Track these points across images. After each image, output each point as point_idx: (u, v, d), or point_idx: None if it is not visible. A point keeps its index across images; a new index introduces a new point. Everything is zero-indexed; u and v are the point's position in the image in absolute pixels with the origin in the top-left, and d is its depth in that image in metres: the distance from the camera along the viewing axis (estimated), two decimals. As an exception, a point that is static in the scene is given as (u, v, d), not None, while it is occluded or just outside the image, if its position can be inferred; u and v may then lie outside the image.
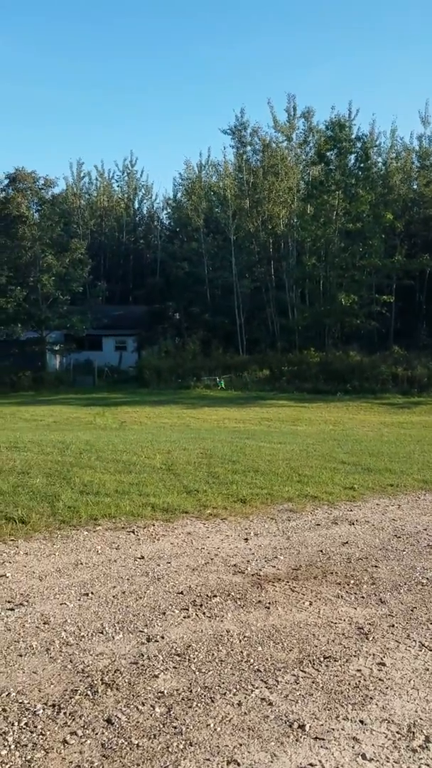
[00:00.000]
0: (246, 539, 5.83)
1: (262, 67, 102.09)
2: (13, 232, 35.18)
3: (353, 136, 37.71)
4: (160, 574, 4.83)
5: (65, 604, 4.24)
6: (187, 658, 3.52)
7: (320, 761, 2.67)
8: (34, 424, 19.17)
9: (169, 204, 57.06)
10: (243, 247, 42.10)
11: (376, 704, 3.12)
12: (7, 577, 4.71)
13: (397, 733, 2.89)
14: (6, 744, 2.74)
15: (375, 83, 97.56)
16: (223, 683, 3.26)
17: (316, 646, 3.70)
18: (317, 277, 38.39)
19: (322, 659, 3.55)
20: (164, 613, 4.10)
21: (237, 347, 39.16)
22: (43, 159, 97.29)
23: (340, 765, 2.66)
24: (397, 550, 5.63)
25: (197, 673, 3.36)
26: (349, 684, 3.29)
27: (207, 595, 4.42)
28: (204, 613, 4.12)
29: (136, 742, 2.77)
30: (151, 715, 2.96)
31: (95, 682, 3.25)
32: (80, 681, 3.26)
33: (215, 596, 4.41)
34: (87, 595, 4.39)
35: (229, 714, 2.99)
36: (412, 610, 4.27)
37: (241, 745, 2.76)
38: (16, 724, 2.89)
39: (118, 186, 58.94)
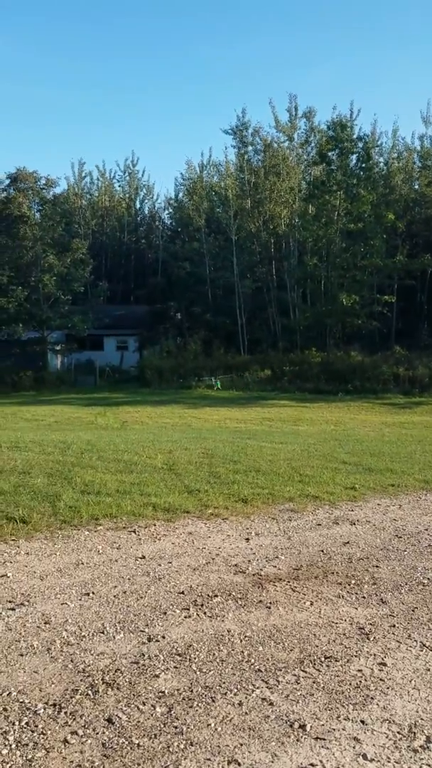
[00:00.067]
0: (247, 539, 5.83)
1: (262, 67, 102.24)
2: (14, 232, 35.20)
3: (355, 136, 37.73)
4: (161, 574, 4.83)
5: (66, 603, 4.24)
6: (188, 657, 3.52)
7: (321, 761, 2.67)
8: (35, 424, 19.18)
9: (170, 204, 57.12)
10: (244, 247, 42.10)
11: (377, 704, 3.11)
12: (8, 577, 4.71)
13: (398, 733, 2.88)
14: (7, 743, 2.74)
15: (375, 83, 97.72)
16: (224, 683, 3.26)
17: (317, 646, 3.70)
18: (319, 277, 38.39)
19: (323, 659, 3.54)
20: (165, 613, 4.10)
21: (238, 347, 39.17)
22: (43, 159, 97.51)
23: (341, 765, 2.66)
24: (399, 550, 5.63)
25: (198, 672, 3.36)
26: (350, 684, 3.29)
27: (208, 595, 4.42)
28: (205, 613, 4.12)
29: (137, 741, 2.77)
30: (151, 715, 2.96)
31: (96, 681, 3.25)
32: (81, 680, 3.26)
33: (216, 596, 4.41)
34: (88, 594, 4.40)
35: (229, 714, 2.99)
36: (413, 611, 4.27)
37: (241, 745, 2.76)
38: (17, 723, 2.89)
39: (119, 186, 59.07)
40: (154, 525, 6.15)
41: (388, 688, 3.27)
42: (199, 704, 3.06)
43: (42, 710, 2.99)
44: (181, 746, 2.74)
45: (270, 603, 4.31)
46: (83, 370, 38.23)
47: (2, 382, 32.79)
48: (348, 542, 5.84)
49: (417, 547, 5.75)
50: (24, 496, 6.77)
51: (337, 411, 24.48)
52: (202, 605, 4.24)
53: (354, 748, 2.77)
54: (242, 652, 3.60)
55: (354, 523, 6.51)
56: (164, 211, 59.20)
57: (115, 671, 3.36)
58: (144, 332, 42.85)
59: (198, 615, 4.09)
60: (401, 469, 9.46)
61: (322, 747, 2.76)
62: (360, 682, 3.32)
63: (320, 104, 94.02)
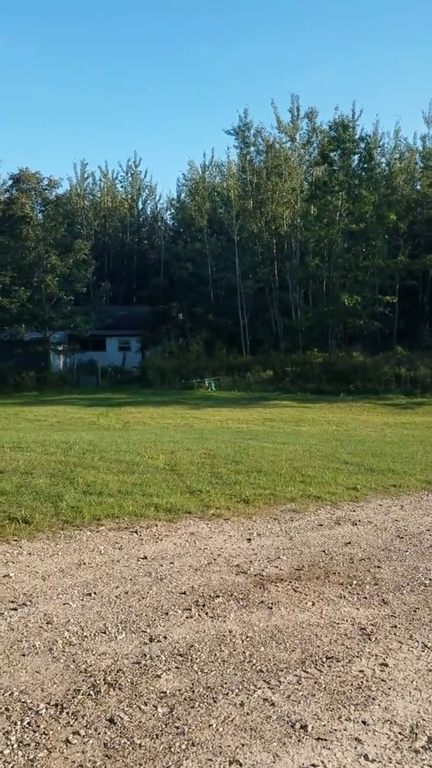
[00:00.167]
0: (249, 539, 5.84)
1: (262, 67, 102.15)
2: (17, 232, 35.22)
3: (357, 137, 37.70)
4: (162, 575, 4.84)
5: (68, 604, 4.24)
6: (190, 658, 3.52)
7: (322, 762, 2.67)
8: (37, 424, 19.19)
9: (172, 204, 57.11)
10: (246, 248, 42.10)
11: (379, 705, 3.11)
12: (11, 577, 4.72)
13: (400, 734, 2.88)
14: (9, 743, 2.75)
15: (376, 83, 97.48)
16: (226, 683, 3.27)
17: (319, 647, 3.70)
18: (320, 277, 38.33)
19: (324, 660, 3.55)
20: (167, 614, 4.10)
21: (240, 348, 39.16)
22: (44, 159, 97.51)
23: (343, 766, 2.66)
24: (400, 551, 5.63)
25: (200, 673, 3.36)
26: (352, 684, 3.29)
27: (210, 596, 4.42)
28: (206, 614, 4.12)
29: (139, 742, 2.77)
30: (153, 715, 2.97)
31: (98, 681, 3.25)
32: (83, 681, 3.26)
33: (218, 596, 4.41)
34: (90, 595, 4.40)
35: (231, 714, 2.99)
36: (414, 611, 4.27)
37: (243, 745, 2.76)
38: (18, 723, 2.89)
39: (121, 186, 59.05)
40: (156, 525, 6.15)
41: (389, 688, 3.27)
42: (201, 704, 3.07)
43: (44, 710, 2.99)
44: (183, 746, 2.74)
45: (272, 603, 4.32)
46: (85, 370, 38.26)
47: (5, 382, 32.82)
48: (350, 543, 5.84)
49: (419, 547, 5.75)
50: (26, 496, 6.78)
51: (339, 411, 24.46)
52: (203, 606, 4.24)
53: (355, 748, 2.77)
54: (244, 652, 3.60)
55: (356, 524, 6.51)
56: (166, 212, 59.27)
57: (117, 671, 3.36)
58: (146, 333, 42.87)
59: (200, 615, 4.09)
60: (403, 469, 9.46)
61: (324, 747, 2.76)
62: (361, 682, 3.32)
63: (321, 104, 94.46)
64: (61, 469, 8.19)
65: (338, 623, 4.04)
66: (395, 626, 4.02)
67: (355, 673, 3.41)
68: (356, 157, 37.70)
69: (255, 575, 4.89)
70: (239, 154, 43.86)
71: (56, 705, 3.04)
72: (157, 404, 26.29)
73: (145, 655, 3.54)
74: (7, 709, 3.00)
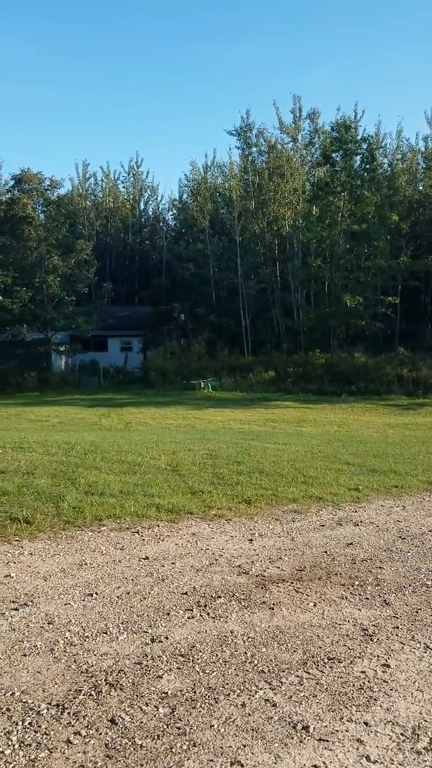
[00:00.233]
0: (250, 540, 5.83)
1: (263, 67, 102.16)
2: (18, 233, 35.24)
3: (359, 138, 37.68)
4: (164, 575, 4.83)
5: (70, 604, 4.24)
6: (191, 658, 3.52)
7: (324, 763, 2.67)
8: (39, 424, 19.20)
9: (174, 205, 57.09)
10: (248, 249, 42.09)
11: (381, 706, 3.11)
12: (12, 577, 4.72)
13: (402, 735, 2.88)
14: (10, 743, 2.75)
15: (378, 83, 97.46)
16: (227, 684, 3.26)
17: (321, 648, 3.69)
18: (322, 278, 38.32)
19: (326, 660, 3.54)
20: (168, 614, 4.10)
21: (242, 348, 39.14)
22: (45, 159, 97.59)
23: (344, 767, 2.65)
24: (402, 552, 5.62)
25: (201, 673, 3.36)
26: (354, 685, 3.28)
27: (211, 596, 4.42)
28: (208, 614, 4.12)
29: (140, 742, 2.77)
30: (154, 716, 2.96)
31: (99, 682, 3.25)
32: (84, 681, 3.26)
33: (219, 597, 4.41)
34: (91, 595, 4.40)
35: (232, 715, 2.99)
36: (416, 612, 4.26)
37: (244, 746, 2.75)
38: (20, 723, 2.89)
39: (123, 187, 59.06)
40: (158, 526, 6.15)
41: (391, 689, 3.26)
42: (202, 705, 3.06)
43: (45, 710, 2.99)
44: (184, 747, 2.74)
45: (273, 604, 4.31)
46: (87, 371, 38.28)
47: (6, 382, 32.84)
48: (351, 543, 5.83)
49: (421, 548, 5.74)
50: (28, 496, 6.79)
51: (341, 412, 24.45)
52: (205, 606, 4.24)
53: (357, 749, 2.76)
54: (245, 653, 3.60)
55: (357, 525, 6.51)
56: (168, 212, 59.29)
57: (119, 672, 3.36)
58: (148, 333, 42.88)
59: (201, 616, 4.09)
60: (405, 470, 9.45)
61: (326, 748, 2.76)
62: (363, 683, 3.31)
63: (322, 104, 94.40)
64: (63, 469, 8.19)
65: (340, 624, 4.03)
66: (397, 627, 4.01)
67: (357, 674, 3.40)
68: (358, 157, 37.68)
69: (257, 576, 4.89)
70: (241, 155, 43.89)
71: (57, 705, 3.04)
72: (158, 405, 26.29)
73: (147, 656, 3.54)
74: (8, 709, 3.00)
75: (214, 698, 3.12)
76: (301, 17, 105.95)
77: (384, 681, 3.34)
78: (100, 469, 8.33)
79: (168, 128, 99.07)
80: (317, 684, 3.29)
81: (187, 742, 2.77)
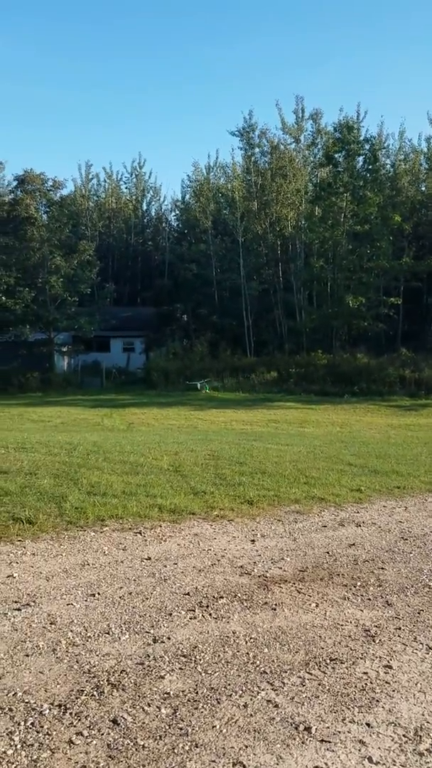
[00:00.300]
0: (253, 541, 5.83)
1: (263, 67, 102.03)
2: (21, 233, 35.26)
3: (361, 138, 37.67)
4: (166, 575, 4.84)
5: (72, 604, 4.24)
6: (193, 659, 3.52)
7: (326, 764, 2.67)
8: (41, 425, 19.22)
9: (177, 206, 57.11)
10: (251, 249, 42.09)
11: (383, 707, 3.10)
12: (14, 578, 4.72)
13: (404, 736, 2.87)
14: (12, 743, 2.75)
15: (378, 84, 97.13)
16: (229, 685, 3.26)
17: (323, 648, 3.69)
18: (325, 279, 38.32)
19: (328, 661, 3.54)
20: (170, 614, 4.10)
21: (245, 349, 39.13)
22: (44, 159, 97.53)
23: None
24: (404, 553, 5.61)
25: (203, 674, 3.36)
26: (356, 686, 3.28)
27: (213, 597, 4.42)
28: (210, 615, 4.12)
29: (142, 743, 2.77)
30: (156, 716, 2.96)
31: (101, 682, 3.25)
32: (86, 681, 3.26)
33: (222, 597, 4.41)
34: (94, 595, 4.40)
35: (234, 715, 2.99)
36: (419, 613, 4.25)
37: (246, 746, 2.75)
38: (22, 723, 2.89)
39: (126, 188, 59.07)
40: (160, 526, 6.15)
41: (393, 690, 3.26)
42: (204, 706, 3.06)
43: (47, 711, 2.99)
44: (186, 748, 2.74)
45: (275, 605, 4.31)
46: (90, 371, 38.29)
47: (9, 383, 32.87)
48: (353, 544, 5.83)
49: (423, 549, 5.73)
50: (30, 496, 6.79)
51: (343, 413, 24.43)
52: (207, 607, 4.24)
53: (359, 750, 2.76)
54: (247, 653, 3.60)
55: (359, 525, 6.50)
56: (171, 213, 59.29)
57: (121, 672, 3.36)
58: (150, 334, 42.89)
59: (203, 616, 4.09)
60: (407, 471, 9.44)
61: (328, 749, 2.75)
62: (365, 684, 3.31)
63: (323, 104, 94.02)
64: (65, 469, 8.19)
65: (342, 625, 4.03)
66: (399, 628, 4.01)
67: (359, 675, 3.40)
68: (361, 158, 37.62)
69: (259, 576, 4.89)
70: (244, 156, 43.84)
71: (60, 705, 3.04)
72: (161, 405, 26.31)
73: (149, 656, 3.54)
74: (10, 710, 3.00)
75: (216, 699, 3.12)
76: (302, 17, 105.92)
77: (386, 682, 3.34)
78: (103, 469, 8.33)
79: (168, 128, 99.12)
80: (319, 685, 3.28)
81: (189, 743, 2.77)
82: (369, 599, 4.49)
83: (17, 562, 5.06)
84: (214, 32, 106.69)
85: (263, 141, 42.40)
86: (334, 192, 36.50)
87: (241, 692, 3.19)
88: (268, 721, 2.94)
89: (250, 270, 41.31)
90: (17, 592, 4.44)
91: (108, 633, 3.82)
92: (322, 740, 2.81)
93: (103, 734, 2.82)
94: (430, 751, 2.77)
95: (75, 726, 2.88)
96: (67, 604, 4.24)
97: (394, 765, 2.68)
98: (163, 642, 3.71)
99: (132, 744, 2.75)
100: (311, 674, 3.39)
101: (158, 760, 2.65)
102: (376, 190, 36.82)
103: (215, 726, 2.90)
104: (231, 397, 29.98)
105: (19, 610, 4.14)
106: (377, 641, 3.82)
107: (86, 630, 3.85)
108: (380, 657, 3.61)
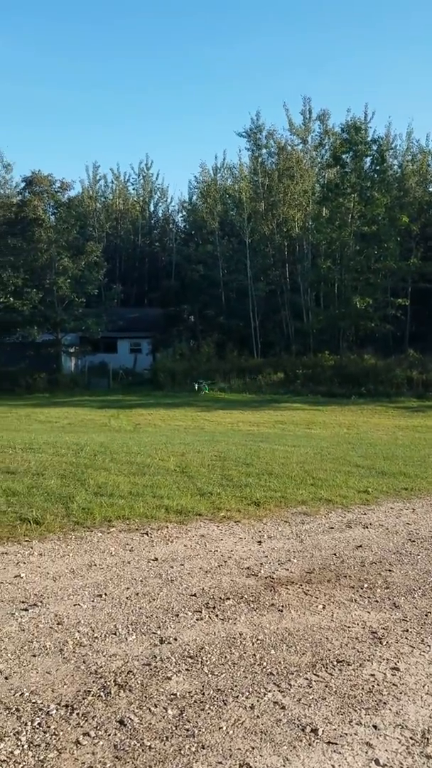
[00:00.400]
0: (259, 542, 5.83)
1: (263, 67, 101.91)
2: (29, 234, 35.41)
3: (369, 139, 37.62)
4: (173, 576, 4.84)
5: (79, 605, 4.25)
6: (200, 660, 3.52)
7: (333, 766, 2.66)
8: (49, 425, 19.27)
9: (184, 207, 57.20)
10: (258, 250, 42.09)
11: (390, 709, 3.09)
12: (22, 578, 4.73)
13: (411, 738, 2.86)
14: (19, 744, 2.75)
15: (378, 84, 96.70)
16: (236, 686, 3.26)
17: (330, 650, 3.68)
18: (332, 280, 38.25)
19: (335, 663, 3.53)
20: (177, 615, 4.10)
21: (251, 350, 39.13)
22: (45, 159, 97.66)
23: (353, 770, 2.64)
24: (412, 554, 5.59)
25: (210, 675, 3.36)
26: (363, 688, 3.27)
27: (220, 598, 4.42)
28: (217, 616, 4.11)
29: (149, 743, 2.77)
30: (163, 717, 2.96)
31: (108, 683, 3.25)
32: (93, 682, 3.26)
33: (228, 599, 4.41)
34: (100, 596, 4.41)
35: (241, 717, 2.98)
36: (426, 615, 4.24)
37: (253, 748, 2.75)
38: (29, 723, 2.90)
39: (133, 189, 59.18)
40: (167, 527, 6.15)
41: (401, 693, 3.25)
42: (211, 707, 3.06)
43: (54, 711, 3.00)
44: (193, 749, 2.74)
45: (282, 606, 4.30)
46: (97, 372, 38.39)
47: (17, 384, 33.00)
48: (361, 546, 5.81)
49: (430, 551, 5.71)
50: (37, 497, 6.81)
51: (350, 414, 24.39)
52: (214, 608, 4.24)
53: (366, 753, 2.75)
54: (254, 655, 3.59)
55: (367, 527, 6.48)
56: (178, 214, 59.37)
57: (127, 673, 3.36)
58: (157, 335, 42.96)
59: (210, 617, 4.09)
60: (414, 472, 9.41)
61: (334, 752, 2.75)
62: (372, 686, 3.30)
63: (325, 104, 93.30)
64: (72, 470, 8.21)
65: (349, 627, 4.02)
66: (407, 630, 4.00)
67: (366, 677, 3.39)
68: (368, 159, 37.62)
69: (265, 578, 4.88)
70: (251, 157, 43.93)
71: (66, 706, 3.04)
72: (167, 406, 26.33)
73: (156, 657, 3.54)
74: (17, 710, 3.01)
75: (223, 700, 3.12)
76: (302, 17, 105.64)
77: (393, 684, 3.33)
78: (110, 470, 8.34)
79: (169, 128, 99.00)
80: (326, 687, 3.28)
81: (195, 744, 2.77)
82: (376, 601, 4.47)
83: (24, 563, 5.07)
84: (214, 32, 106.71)
85: (270, 142, 42.45)
86: (342, 193, 36.46)
87: (247, 694, 3.19)
88: (275, 723, 2.94)
89: (257, 271, 41.31)
90: (24, 593, 4.45)
91: (115, 634, 3.82)
92: (329, 742, 2.81)
93: (110, 735, 2.83)
94: (438, 753, 2.76)
95: (82, 726, 2.88)
96: (74, 605, 4.24)
97: (401, 767, 2.67)
98: (170, 643, 3.71)
99: (139, 745, 2.76)
100: (318, 676, 3.38)
101: (165, 761, 2.65)
102: (383, 191, 36.76)
103: (222, 727, 2.90)
104: (238, 398, 29.99)
105: (26, 610, 4.15)
106: (384, 643, 3.80)
107: (93, 630, 3.86)
108: (387, 659, 3.60)
